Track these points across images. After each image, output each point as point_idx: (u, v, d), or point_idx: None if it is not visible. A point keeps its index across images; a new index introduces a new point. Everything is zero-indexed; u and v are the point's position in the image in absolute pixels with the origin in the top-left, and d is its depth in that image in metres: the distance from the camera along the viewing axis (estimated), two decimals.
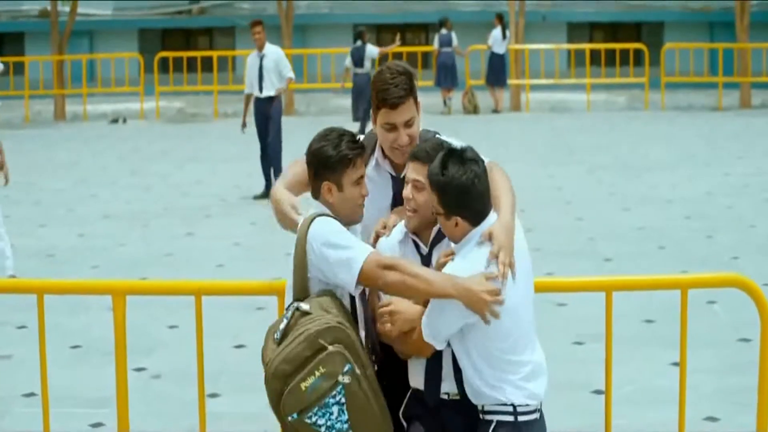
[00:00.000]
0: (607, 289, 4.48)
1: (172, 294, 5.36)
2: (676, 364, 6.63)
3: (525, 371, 3.58)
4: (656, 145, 17.60)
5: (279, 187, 3.95)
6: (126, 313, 4.46)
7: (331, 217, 3.68)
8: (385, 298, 3.73)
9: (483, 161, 3.63)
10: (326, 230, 3.61)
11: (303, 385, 3.39)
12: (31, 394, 6.57)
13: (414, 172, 3.68)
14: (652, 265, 9.48)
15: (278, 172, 13.27)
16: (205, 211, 12.74)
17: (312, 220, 3.65)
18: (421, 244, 3.75)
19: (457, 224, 3.57)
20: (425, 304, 3.61)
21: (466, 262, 3.53)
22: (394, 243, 3.79)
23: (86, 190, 14.36)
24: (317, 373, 3.39)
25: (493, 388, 3.55)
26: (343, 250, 3.56)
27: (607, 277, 7.43)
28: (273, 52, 13.90)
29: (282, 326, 3.50)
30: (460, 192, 3.53)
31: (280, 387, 3.42)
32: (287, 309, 3.57)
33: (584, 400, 6.35)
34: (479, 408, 3.61)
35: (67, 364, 7.18)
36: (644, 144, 17.81)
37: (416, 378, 3.79)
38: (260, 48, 13.85)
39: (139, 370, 6.98)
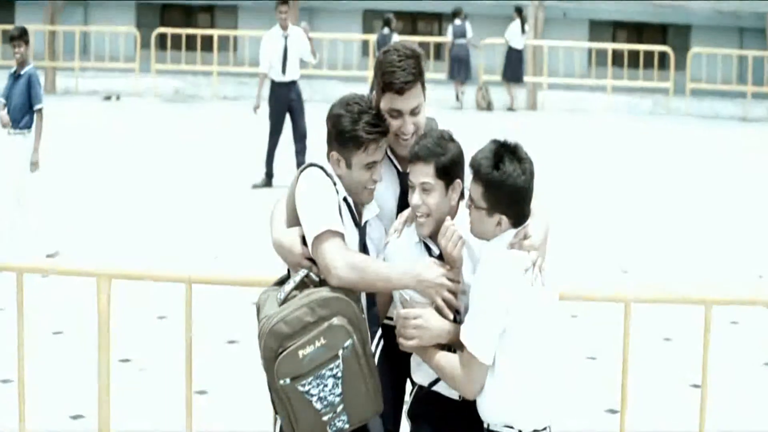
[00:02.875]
0: (626, 301, 4.40)
1: (161, 281, 5.28)
2: (696, 386, 6.58)
3: (543, 396, 3.53)
4: (679, 153, 17.56)
5: (277, 230, 3.79)
6: (110, 299, 4.38)
7: (325, 172, 3.68)
8: (402, 307, 3.68)
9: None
10: (309, 183, 3.65)
11: (301, 353, 3.41)
12: (8, 381, 6.51)
13: (419, 174, 3.61)
14: (671, 278, 9.42)
15: (305, 152, 13.34)
16: (200, 198, 12.68)
17: (306, 168, 3.72)
18: (433, 246, 3.68)
19: (499, 223, 3.50)
20: (454, 320, 3.56)
21: (499, 264, 3.46)
22: (406, 247, 3.74)
23: (75, 172, 14.28)
24: (317, 344, 3.42)
25: (505, 406, 3.50)
26: (309, 213, 3.59)
27: (625, 286, 7.37)
28: (297, 33, 13.85)
29: (288, 288, 3.52)
30: (515, 191, 3.46)
31: (276, 346, 3.43)
32: (296, 272, 3.58)
33: (597, 419, 6.28)
34: (485, 425, 3.57)
35: (48, 351, 7.11)
36: (667, 151, 17.76)
37: (419, 374, 3.76)
38: (284, 27, 13.77)
39: (124, 361, 6.92)
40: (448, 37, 23.23)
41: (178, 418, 5.61)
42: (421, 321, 3.55)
